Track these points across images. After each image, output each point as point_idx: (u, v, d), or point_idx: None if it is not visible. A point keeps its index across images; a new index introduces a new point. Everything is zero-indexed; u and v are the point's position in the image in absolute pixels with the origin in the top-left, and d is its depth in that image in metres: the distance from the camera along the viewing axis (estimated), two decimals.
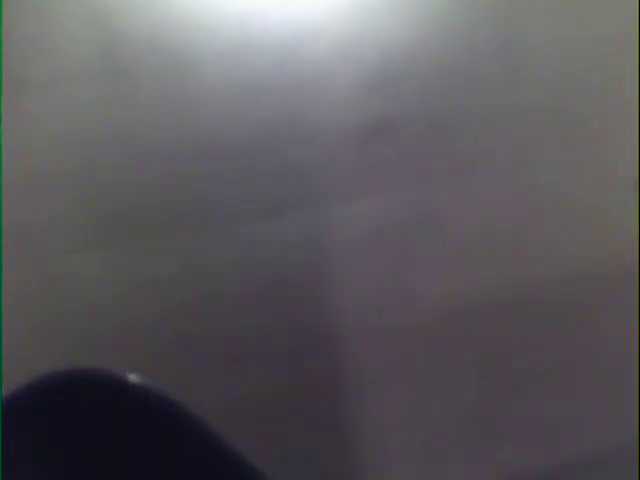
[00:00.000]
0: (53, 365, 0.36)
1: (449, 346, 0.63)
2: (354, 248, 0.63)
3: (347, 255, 0.63)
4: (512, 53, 0.68)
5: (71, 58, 0.62)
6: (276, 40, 0.65)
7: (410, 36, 0.67)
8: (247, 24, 0.65)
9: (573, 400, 0.64)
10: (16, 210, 0.59)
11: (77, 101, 0.62)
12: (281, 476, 0.48)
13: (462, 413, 0.63)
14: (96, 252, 0.59)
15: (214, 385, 0.59)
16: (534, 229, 0.66)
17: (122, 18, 0.63)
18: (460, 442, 0.63)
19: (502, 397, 0.63)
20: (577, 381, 0.64)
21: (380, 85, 0.66)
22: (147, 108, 0.62)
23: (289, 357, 0.61)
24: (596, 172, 0.67)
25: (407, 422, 0.62)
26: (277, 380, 0.60)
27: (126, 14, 0.63)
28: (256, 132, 0.63)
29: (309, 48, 0.65)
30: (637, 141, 0.67)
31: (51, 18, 0.62)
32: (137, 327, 0.59)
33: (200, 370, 0.59)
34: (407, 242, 0.64)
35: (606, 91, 0.68)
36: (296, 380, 0.61)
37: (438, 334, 0.63)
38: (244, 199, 0.62)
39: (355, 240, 0.63)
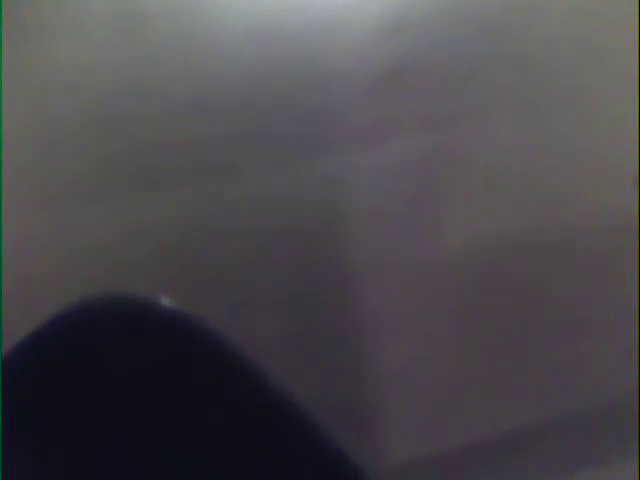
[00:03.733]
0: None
1: (473, 285, 0.64)
2: (375, 191, 0.63)
3: (367, 198, 0.63)
4: (524, 6, 0.67)
5: (86, 3, 0.61)
6: None
7: None
8: None
9: (592, 345, 0.64)
10: (30, 155, 0.59)
11: (91, 47, 0.61)
12: None
13: (484, 356, 0.63)
14: (105, 198, 0.60)
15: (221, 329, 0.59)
16: (550, 174, 0.66)
17: None
18: (476, 386, 0.63)
19: (529, 337, 0.64)
20: (598, 326, 0.65)
21: (396, 31, 0.65)
22: (162, 53, 0.62)
23: (307, 300, 0.62)
24: (607, 122, 0.67)
25: (428, 363, 0.63)
26: (291, 325, 0.61)
27: None
28: (270, 77, 0.63)
29: None
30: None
31: None
32: (141, 267, 0.60)
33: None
34: (430, 184, 0.64)
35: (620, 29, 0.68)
36: (315, 324, 0.61)
37: (462, 273, 0.63)
38: (259, 145, 0.62)
39: (375, 183, 0.63)
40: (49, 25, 0.61)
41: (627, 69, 0.67)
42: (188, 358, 0.33)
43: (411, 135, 0.64)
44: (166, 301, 0.34)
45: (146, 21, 0.62)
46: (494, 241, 0.64)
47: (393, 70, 0.64)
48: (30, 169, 0.59)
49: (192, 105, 0.62)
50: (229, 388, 0.34)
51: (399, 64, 0.64)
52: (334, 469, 0.34)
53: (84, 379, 0.32)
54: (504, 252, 0.64)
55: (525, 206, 0.65)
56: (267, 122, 0.62)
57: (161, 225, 0.60)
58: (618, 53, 0.67)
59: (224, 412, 0.33)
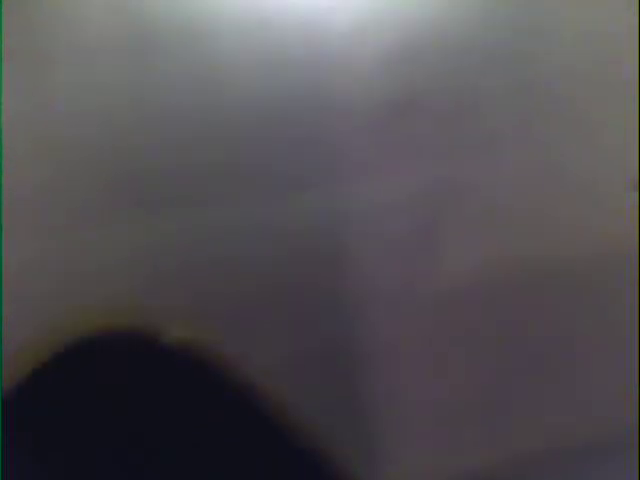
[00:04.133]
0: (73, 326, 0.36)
1: (473, 318, 0.63)
2: (376, 223, 0.63)
3: (370, 230, 0.63)
4: (533, 33, 0.68)
5: (91, 25, 0.61)
6: (297, 14, 0.65)
7: (432, 12, 0.66)
8: None
9: (593, 377, 0.64)
10: (32, 175, 0.59)
11: (100, 71, 0.61)
12: None
13: (480, 387, 0.63)
14: (112, 219, 0.59)
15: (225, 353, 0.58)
16: (553, 206, 0.66)
17: None
18: (478, 415, 0.63)
19: (523, 370, 0.63)
20: (598, 357, 0.65)
21: (401, 61, 0.65)
22: (166, 78, 0.62)
23: (305, 325, 0.61)
24: (613, 158, 0.67)
25: (425, 391, 0.62)
26: (291, 347, 0.60)
27: None
28: (274, 107, 0.63)
29: (330, 23, 0.65)
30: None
31: None
32: (149, 289, 0.59)
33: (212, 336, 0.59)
34: (430, 217, 0.64)
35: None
36: (311, 348, 0.61)
37: (463, 305, 0.63)
38: (261, 173, 0.62)
39: (377, 215, 0.63)
40: (60, 49, 0.61)
41: (635, 100, 0.67)
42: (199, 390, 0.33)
43: (413, 166, 0.64)
44: (172, 333, 0.34)
45: (156, 47, 0.62)
46: (495, 272, 0.64)
47: (397, 100, 0.65)
48: (37, 193, 0.59)
49: (195, 132, 0.62)
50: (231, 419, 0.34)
51: (403, 94, 0.65)
52: None
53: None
54: (505, 283, 0.64)
55: (526, 237, 0.65)
56: (268, 151, 0.63)
57: (163, 250, 0.60)
58: (625, 82, 0.67)
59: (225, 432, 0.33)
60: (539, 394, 0.64)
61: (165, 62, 0.62)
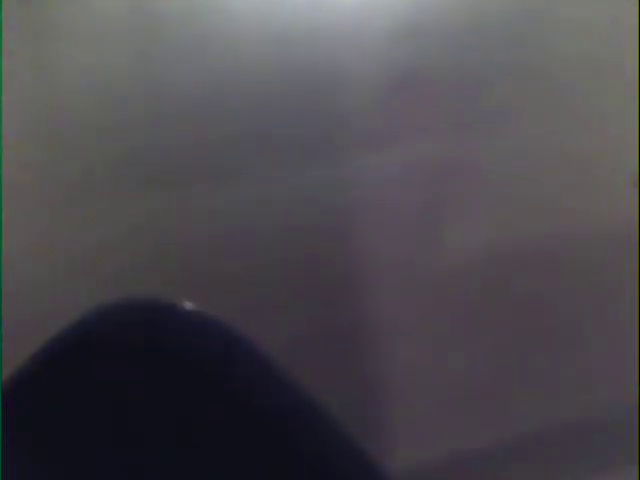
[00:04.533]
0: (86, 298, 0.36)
1: (473, 296, 0.63)
2: (383, 196, 0.63)
3: (376, 203, 0.63)
4: (534, 16, 0.67)
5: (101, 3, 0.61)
6: None
7: None
8: None
9: (592, 354, 0.65)
10: (39, 157, 0.59)
11: (105, 47, 0.61)
12: None
13: (488, 362, 0.63)
14: (110, 198, 0.59)
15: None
16: (554, 183, 0.66)
17: None
18: (478, 395, 0.63)
19: (529, 346, 0.64)
20: (598, 334, 0.65)
21: (408, 38, 0.65)
22: (175, 53, 0.62)
23: (313, 305, 0.61)
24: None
25: (433, 370, 0.62)
26: (298, 328, 0.61)
27: None
28: (284, 79, 0.63)
29: None
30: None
31: None
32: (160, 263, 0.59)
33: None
34: (436, 191, 0.64)
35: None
36: (316, 332, 0.61)
37: (463, 284, 0.63)
38: (270, 146, 0.62)
39: (384, 187, 0.63)
40: (63, 24, 0.61)
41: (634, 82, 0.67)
42: (211, 361, 0.34)
43: (418, 140, 0.64)
44: (187, 304, 0.35)
45: (160, 22, 0.62)
46: (496, 249, 0.64)
47: (404, 75, 0.64)
48: (37, 167, 0.59)
49: (204, 107, 0.62)
50: (249, 389, 0.34)
51: (410, 70, 0.65)
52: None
53: (98, 382, 0.33)
54: (505, 260, 0.64)
55: (527, 215, 0.65)
56: (278, 125, 0.63)
57: (168, 224, 0.61)
58: (624, 67, 0.67)
59: (237, 413, 0.33)
60: (539, 373, 0.64)
61: (169, 39, 0.62)
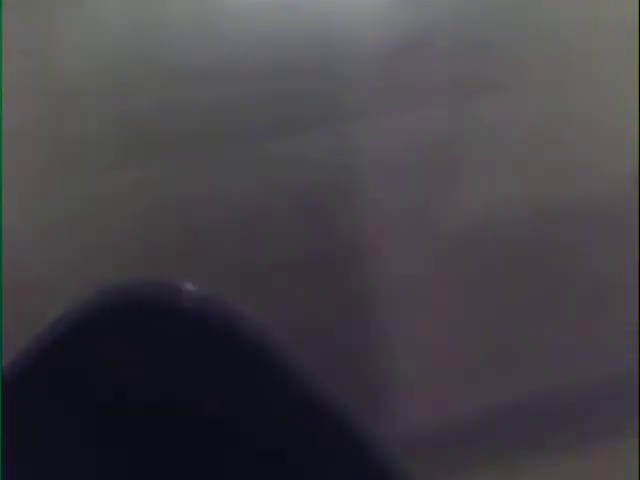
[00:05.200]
0: (95, 281, 0.36)
1: (487, 253, 0.63)
2: (387, 162, 0.63)
3: (381, 169, 0.62)
4: None
5: None
6: None
7: None
8: None
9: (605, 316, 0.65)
10: (49, 128, 0.58)
11: (107, 8, 0.60)
12: None
13: (494, 330, 0.63)
14: (124, 171, 0.59)
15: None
16: (565, 143, 0.65)
17: None
18: (479, 362, 0.63)
19: (535, 309, 0.64)
20: (611, 294, 0.65)
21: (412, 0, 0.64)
22: (177, 23, 0.61)
23: (319, 274, 0.61)
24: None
25: (444, 333, 0.63)
26: (301, 290, 0.60)
27: None
28: (286, 47, 0.62)
29: None
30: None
31: None
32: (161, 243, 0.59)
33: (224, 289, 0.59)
34: (441, 153, 0.63)
35: None
36: (316, 296, 0.61)
37: (477, 241, 0.63)
38: (274, 116, 0.62)
39: (389, 154, 0.63)
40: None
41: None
42: (219, 343, 0.33)
43: (426, 103, 0.64)
44: (191, 286, 0.34)
45: None
46: (509, 209, 0.64)
47: (410, 37, 0.64)
48: (36, 126, 0.59)
49: (203, 71, 0.61)
50: (260, 376, 0.34)
51: (416, 31, 0.64)
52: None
53: (99, 365, 0.32)
54: (518, 220, 0.64)
55: (539, 174, 0.65)
56: (280, 88, 0.62)
57: (167, 189, 0.60)
58: (628, 31, 0.66)
59: (250, 398, 0.33)
60: (547, 334, 0.64)
61: (172, 3, 0.62)
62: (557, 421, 0.63)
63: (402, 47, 0.63)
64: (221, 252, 0.60)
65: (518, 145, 0.65)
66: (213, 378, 0.33)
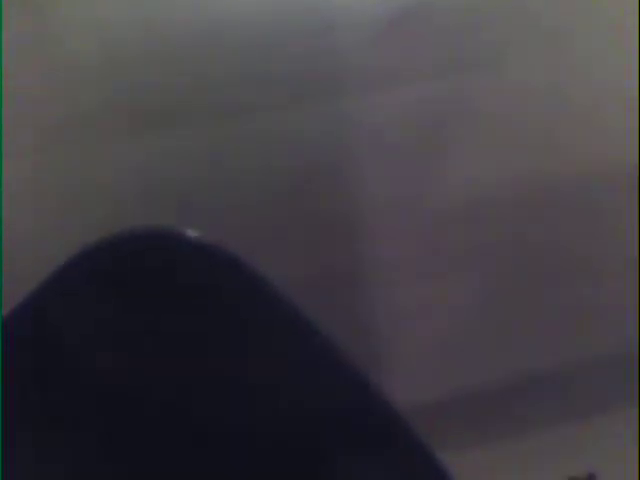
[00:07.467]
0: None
1: (474, 234, 0.63)
2: (383, 134, 0.62)
3: (373, 144, 0.62)
4: None
5: None
6: None
7: None
8: None
9: (594, 292, 0.65)
10: (50, 101, 0.58)
11: None
12: None
13: (484, 303, 0.63)
14: (123, 141, 0.59)
15: None
16: (555, 124, 0.65)
17: None
18: (478, 333, 0.64)
19: (523, 288, 0.64)
20: (599, 273, 0.65)
21: None
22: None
23: (307, 248, 0.61)
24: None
25: (429, 311, 0.63)
26: (296, 264, 0.60)
27: None
28: (282, 17, 0.62)
29: None
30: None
31: None
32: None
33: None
34: (437, 130, 0.63)
35: None
36: (315, 271, 0.61)
37: (467, 219, 0.63)
38: (263, 88, 0.61)
39: (384, 126, 0.62)
40: None
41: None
42: (224, 288, 0.33)
43: (418, 79, 0.63)
44: (194, 232, 0.34)
45: None
46: (494, 190, 0.64)
47: (402, 12, 0.63)
48: (36, 103, 0.59)
49: (202, 46, 0.61)
50: (264, 319, 0.34)
51: (409, 6, 0.64)
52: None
53: (101, 316, 0.32)
54: (506, 198, 0.64)
55: (526, 155, 0.65)
56: (276, 63, 0.62)
57: (172, 163, 0.60)
58: (624, 15, 0.66)
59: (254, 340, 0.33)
60: (538, 312, 0.64)
61: None
62: (549, 397, 0.64)
63: (394, 21, 0.63)
64: (214, 230, 0.60)
65: (507, 126, 0.64)
66: (220, 313, 0.33)
